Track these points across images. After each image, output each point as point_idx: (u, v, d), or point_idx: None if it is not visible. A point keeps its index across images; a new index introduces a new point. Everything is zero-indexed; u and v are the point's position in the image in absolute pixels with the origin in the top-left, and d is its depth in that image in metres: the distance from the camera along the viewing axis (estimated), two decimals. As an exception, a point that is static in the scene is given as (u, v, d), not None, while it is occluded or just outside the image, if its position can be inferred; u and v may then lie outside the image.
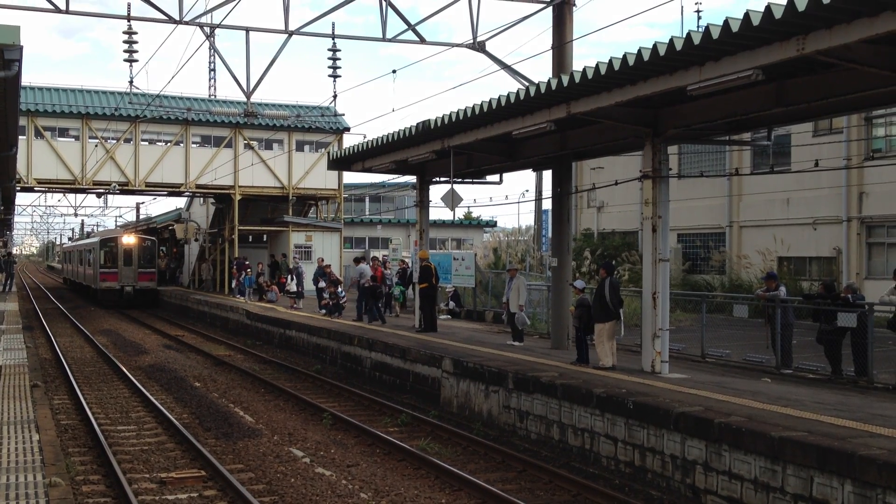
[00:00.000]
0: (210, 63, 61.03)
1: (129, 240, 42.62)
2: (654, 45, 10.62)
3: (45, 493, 7.71)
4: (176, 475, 10.94)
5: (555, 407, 12.68)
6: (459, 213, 53.71)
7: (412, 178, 26.04)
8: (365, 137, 32.47)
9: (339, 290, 26.73)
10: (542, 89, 12.89)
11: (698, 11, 35.49)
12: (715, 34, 9.71)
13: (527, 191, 68.93)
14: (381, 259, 29.59)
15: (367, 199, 57.69)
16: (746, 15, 9.19)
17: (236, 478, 10.62)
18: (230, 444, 12.98)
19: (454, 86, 35.23)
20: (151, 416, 15.21)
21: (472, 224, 57.89)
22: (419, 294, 21.35)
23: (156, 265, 44.34)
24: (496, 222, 58.16)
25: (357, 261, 26.62)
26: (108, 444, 12.31)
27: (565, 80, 12.36)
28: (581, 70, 11.99)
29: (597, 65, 11.63)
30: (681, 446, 10.25)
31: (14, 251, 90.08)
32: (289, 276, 32.14)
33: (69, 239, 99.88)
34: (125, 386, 18.61)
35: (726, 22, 9.53)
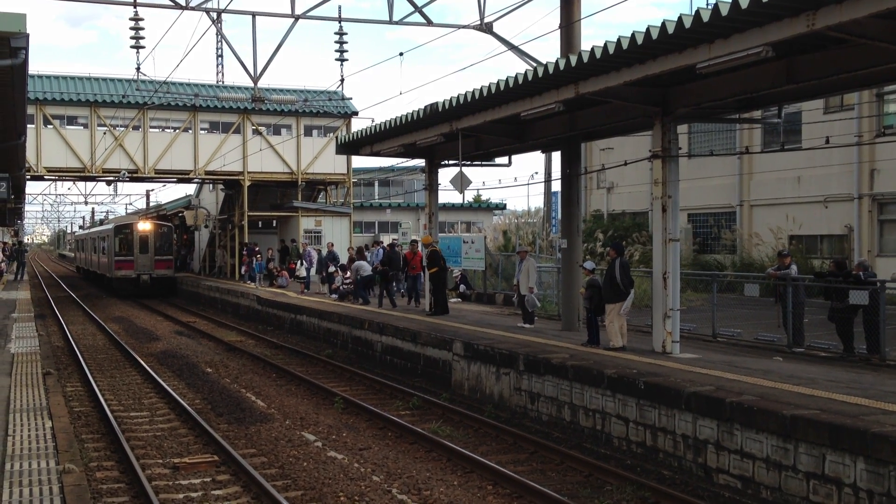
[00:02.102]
0: (217, 49, 60.83)
1: (144, 226, 41.25)
2: (663, 23, 10.54)
3: (58, 479, 7.75)
4: (189, 460, 10.98)
5: (566, 388, 12.67)
6: (468, 195, 53.68)
7: (421, 162, 25.99)
8: (373, 121, 32.35)
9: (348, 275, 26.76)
10: (551, 70, 12.82)
11: (707, -11, 35.15)
12: (724, 11, 9.62)
13: (535, 173, 68.76)
14: (392, 242, 29.53)
15: (375, 184, 57.64)
16: (756, -9, 9.09)
17: (249, 462, 10.66)
18: (242, 429, 13.03)
19: (461, 68, 35.20)
20: (164, 402, 15.27)
21: (481, 207, 57.80)
22: (429, 278, 21.35)
23: (173, 252, 42.77)
24: (505, 205, 58.13)
25: (360, 252, 26.43)
26: (122, 431, 12.37)
27: (573, 59, 12.28)
28: (589, 49, 11.91)
29: (605, 44, 11.55)
30: (692, 426, 10.23)
31: (25, 240, 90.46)
32: (298, 262, 32.20)
33: (80, 227, 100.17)
34: (137, 372, 18.70)
35: (735, -1, 9.43)
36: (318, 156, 39.08)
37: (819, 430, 8.52)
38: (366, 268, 25.02)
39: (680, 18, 10.30)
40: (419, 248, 24.15)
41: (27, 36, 10.71)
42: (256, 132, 38.19)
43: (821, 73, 11.31)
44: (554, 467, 10.83)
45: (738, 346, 16.01)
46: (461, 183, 18.34)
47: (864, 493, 8.04)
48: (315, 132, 39.76)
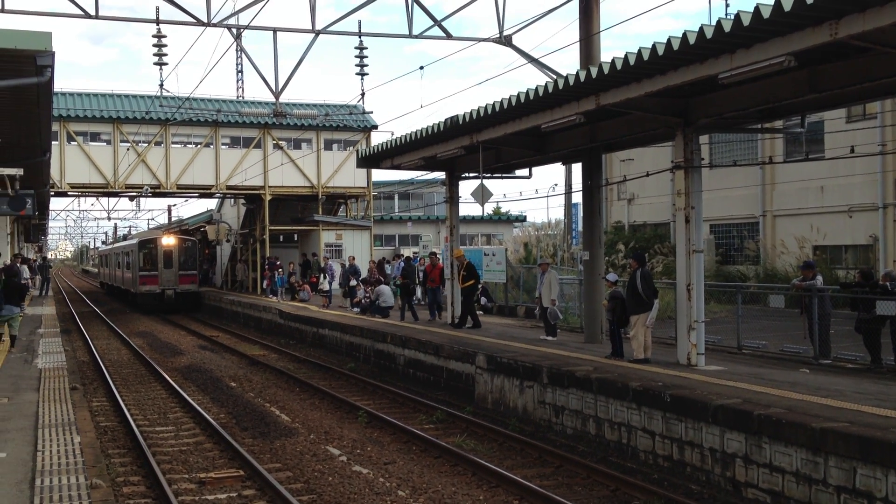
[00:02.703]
0: (237, 65, 61.27)
1: (169, 241, 40.83)
2: (684, 34, 10.51)
3: (87, 494, 7.79)
4: (215, 475, 11.01)
5: (590, 401, 12.61)
6: (488, 208, 53.62)
7: (440, 174, 26.04)
8: (392, 135, 32.55)
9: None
10: (571, 82, 12.81)
11: (726, -1, 35.07)
12: (746, 21, 9.58)
13: (556, 185, 68.61)
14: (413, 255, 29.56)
15: (395, 197, 57.77)
16: (778, 1, 9.05)
17: (274, 477, 10.67)
18: (267, 443, 13.05)
19: (481, 81, 35.37)
20: (189, 417, 15.33)
21: (501, 219, 57.78)
22: (462, 291, 21.34)
23: (197, 266, 42.32)
24: (525, 217, 58.01)
25: (380, 265, 26.57)
26: (147, 446, 12.42)
27: (594, 71, 12.26)
28: (610, 61, 11.89)
29: (626, 55, 11.52)
30: (720, 439, 10.15)
31: (49, 255, 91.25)
32: (321, 276, 32.29)
33: (103, 242, 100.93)
34: (162, 387, 18.79)
35: (757, 8, 9.39)
36: (338, 169, 39.25)
37: (849, 443, 8.42)
38: (387, 297, 25.03)
39: (701, 29, 10.27)
40: (439, 261, 24.19)
41: (53, 54, 10.84)
42: (277, 146, 38.41)
43: (844, 82, 11.24)
44: (580, 481, 10.77)
45: (763, 357, 15.87)
46: (482, 195, 18.35)
47: (896, 507, 7.94)
48: (335, 146, 39.95)
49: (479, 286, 27.03)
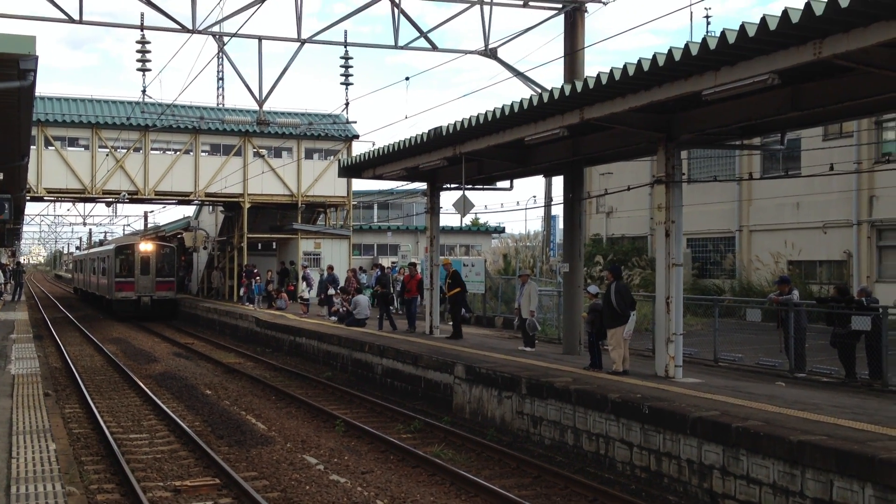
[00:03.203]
0: (218, 72, 61.10)
1: (146, 247, 40.33)
2: (670, 51, 10.61)
3: (65, 502, 7.69)
4: (190, 483, 10.92)
5: (569, 412, 12.64)
6: (467, 219, 53.71)
7: (422, 185, 26.04)
8: (374, 145, 32.55)
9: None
10: (556, 95, 12.88)
11: (707, 17, 35.52)
12: (731, 38, 9.68)
13: (534, 197, 68.78)
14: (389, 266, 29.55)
15: (375, 207, 57.71)
16: (763, 19, 9.16)
17: (251, 486, 10.60)
18: (243, 451, 12.96)
19: (465, 93, 35.57)
20: (163, 425, 15.20)
21: (480, 230, 57.88)
22: (450, 300, 21.34)
23: (175, 273, 41.61)
24: (504, 228, 58.16)
25: (354, 273, 26.66)
26: (122, 453, 12.30)
27: (579, 85, 12.35)
28: (595, 76, 11.97)
29: (611, 70, 11.61)
30: (697, 451, 10.21)
31: (21, 260, 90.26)
32: (303, 284, 32.19)
33: (77, 248, 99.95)
34: (136, 394, 18.62)
35: (742, 27, 9.50)
36: (318, 178, 39.16)
37: (826, 456, 8.50)
38: (363, 309, 24.97)
39: (687, 46, 10.37)
40: (417, 271, 24.18)
41: (36, 58, 10.76)
42: (257, 155, 38.28)
43: (826, 100, 11.38)
44: (558, 492, 10.78)
45: (739, 371, 15.99)
46: (464, 207, 18.37)
47: (873, 520, 8.01)
48: (316, 155, 39.87)
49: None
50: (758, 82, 10.22)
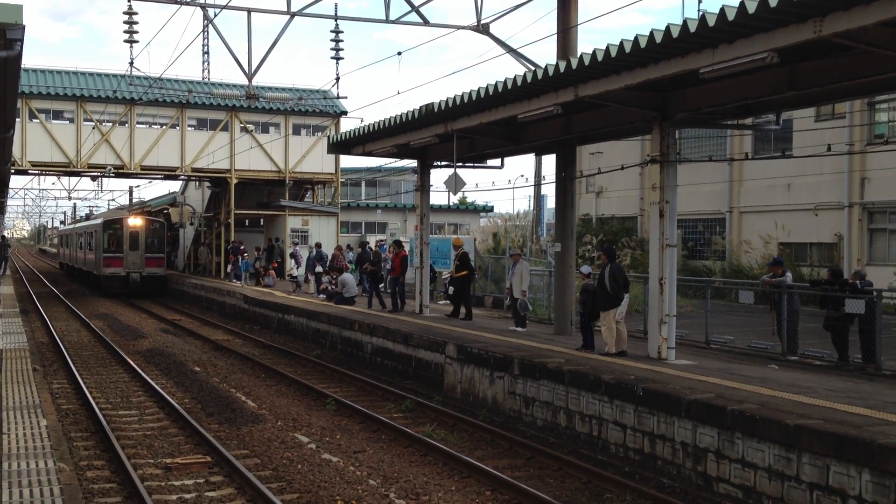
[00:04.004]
0: (204, 46, 60.27)
1: (135, 221, 39.53)
2: (667, 27, 10.45)
3: (57, 479, 7.58)
4: (181, 461, 10.81)
5: (562, 393, 12.58)
6: (455, 198, 53.57)
7: (411, 163, 25.84)
8: (362, 121, 32.21)
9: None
10: (550, 72, 12.71)
11: (698, -4, 35.22)
12: (731, 15, 9.53)
13: (523, 175, 68.62)
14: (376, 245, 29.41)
15: (363, 184, 57.45)
16: (764, -5, 9.02)
17: (242, 464, 10.50)
18: (234, 429, 12.86)
19: (457, 69, 35.14)
20: (153, 401, 15.07)
21: (468, 209, 57.74)
22: (457, 282, 21.10)
23: (164, 249, 40.76)
24: (493, 207, 58.06)
25: (339, 250, 26.60)
26: (111, 430, 12.18)
27: (574, 62, 12.18)
28: (591, 52, 11.81)
29: (607, 47, 11.45)
30: (692, 434, 10.16)
31: (6, 234, 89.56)
32: (292, 261, 32.01)
33: (61, 222, 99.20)
34: (124, 370, 18.47)
35: (742, 3, 9.34)
36: (306, 155, 38.86)
37: (823, 441, 8.45)
38: (350, 288, 24.84)
39: (685, 23, 10.21)
40: (402, 249, 23.97)
41: (23, 28, 10.45)
42: (245, 130, 37.93)
43: (824, 80, 11.27)
44: (552, 473, 10.72)
45: (731, 353, 15.98)
46: (455, 184, 18.24)
47: (869, 504, 7.98)
48: (304, 131, 39.55)
49: (447, 275, 26.99)
50: (756, 60, 10.09)
